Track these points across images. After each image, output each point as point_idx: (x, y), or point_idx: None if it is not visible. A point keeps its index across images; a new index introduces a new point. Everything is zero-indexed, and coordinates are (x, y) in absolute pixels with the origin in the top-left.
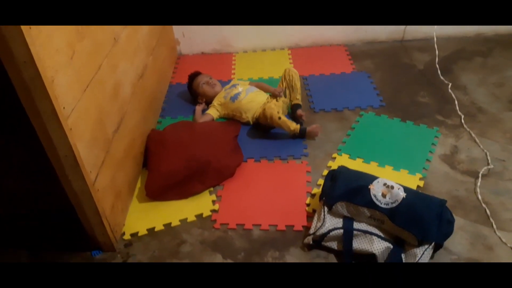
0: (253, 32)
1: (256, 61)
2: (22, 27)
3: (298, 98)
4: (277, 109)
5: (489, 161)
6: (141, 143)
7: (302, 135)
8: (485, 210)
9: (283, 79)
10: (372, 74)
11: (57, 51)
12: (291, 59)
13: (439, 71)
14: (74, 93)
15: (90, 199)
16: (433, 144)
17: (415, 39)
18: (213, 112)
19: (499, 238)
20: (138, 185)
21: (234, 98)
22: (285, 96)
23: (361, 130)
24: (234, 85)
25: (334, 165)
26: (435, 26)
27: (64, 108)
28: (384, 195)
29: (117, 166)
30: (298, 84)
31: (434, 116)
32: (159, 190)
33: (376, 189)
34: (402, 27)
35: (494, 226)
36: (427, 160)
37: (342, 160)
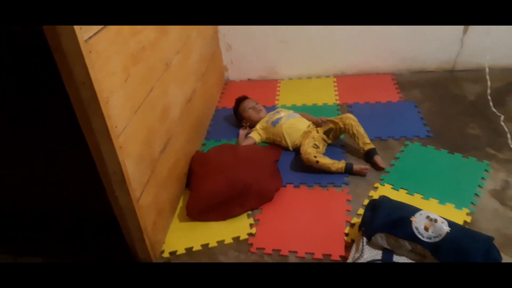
0: (299, 59)
1: (301, 88)
2: (83, 51)
3: (368, 143)
4: (313, 152)
5: None
6: (185, 164)
7: (347, 172)
8: None
9: (337, 124)
10: (419, 104)
11: (113, 74)
12: (336, 86)
13: (491, 103)
14: (126, 114)
15: (134, 215)
16: (482, 178)
17: (466, 70)
18: (256, 136)
19: None
20: (180, 204)
21: (275, 122)
22: (328, 136)
23: (406, 160)
24: (277, 111)
25: (376, 195)
26: (487, 56)
27: (116, 127)
28: (426, 229)
29: (161, 184)
30: (360, 129)
31: (485, 149)
32: (200, 210)
33: (418, 221)
34: (453, 57)
35: None
36: (476, 194)
37: (384, 190)
